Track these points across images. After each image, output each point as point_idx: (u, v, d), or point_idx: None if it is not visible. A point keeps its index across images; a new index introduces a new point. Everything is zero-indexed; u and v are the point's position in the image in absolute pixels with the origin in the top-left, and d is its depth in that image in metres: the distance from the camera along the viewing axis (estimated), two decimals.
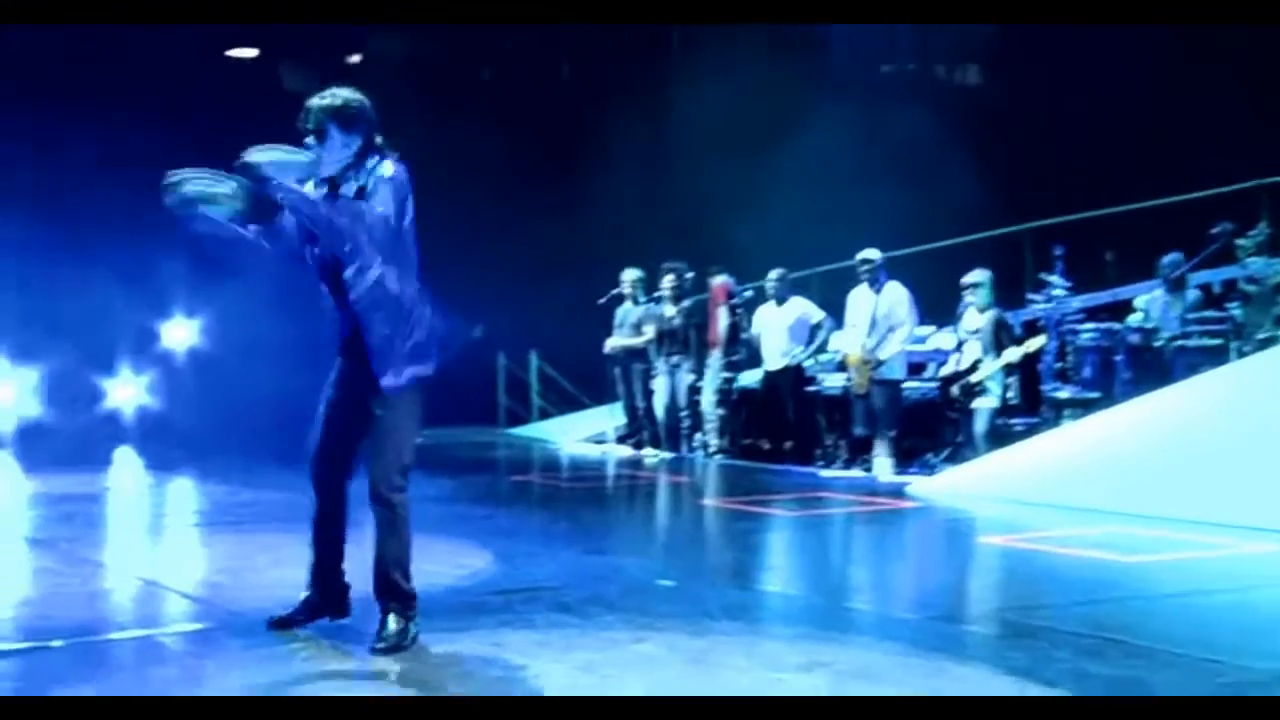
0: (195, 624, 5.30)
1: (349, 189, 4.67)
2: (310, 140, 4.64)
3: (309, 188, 4.68)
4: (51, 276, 15.10)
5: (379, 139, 4.73)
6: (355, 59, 19.42)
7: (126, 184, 15.05)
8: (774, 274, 12.34)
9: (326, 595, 4.97)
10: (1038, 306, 11.34)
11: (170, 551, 7.63)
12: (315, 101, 4.68)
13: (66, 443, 14.85)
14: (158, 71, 16.18)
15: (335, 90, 4.71)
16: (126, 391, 17.03)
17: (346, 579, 4.99)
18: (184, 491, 11.05)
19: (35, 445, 14.79)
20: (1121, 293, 12.48)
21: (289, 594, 5.04)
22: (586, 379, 16.40)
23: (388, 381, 4.65)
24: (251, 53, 18.60)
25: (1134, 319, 11.10)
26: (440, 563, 6.49)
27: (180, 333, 17.24)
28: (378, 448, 4.69)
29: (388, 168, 4.68)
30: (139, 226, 15.01)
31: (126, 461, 13.53)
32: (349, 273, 4.60)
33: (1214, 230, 10.93)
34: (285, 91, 17.92)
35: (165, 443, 14.81)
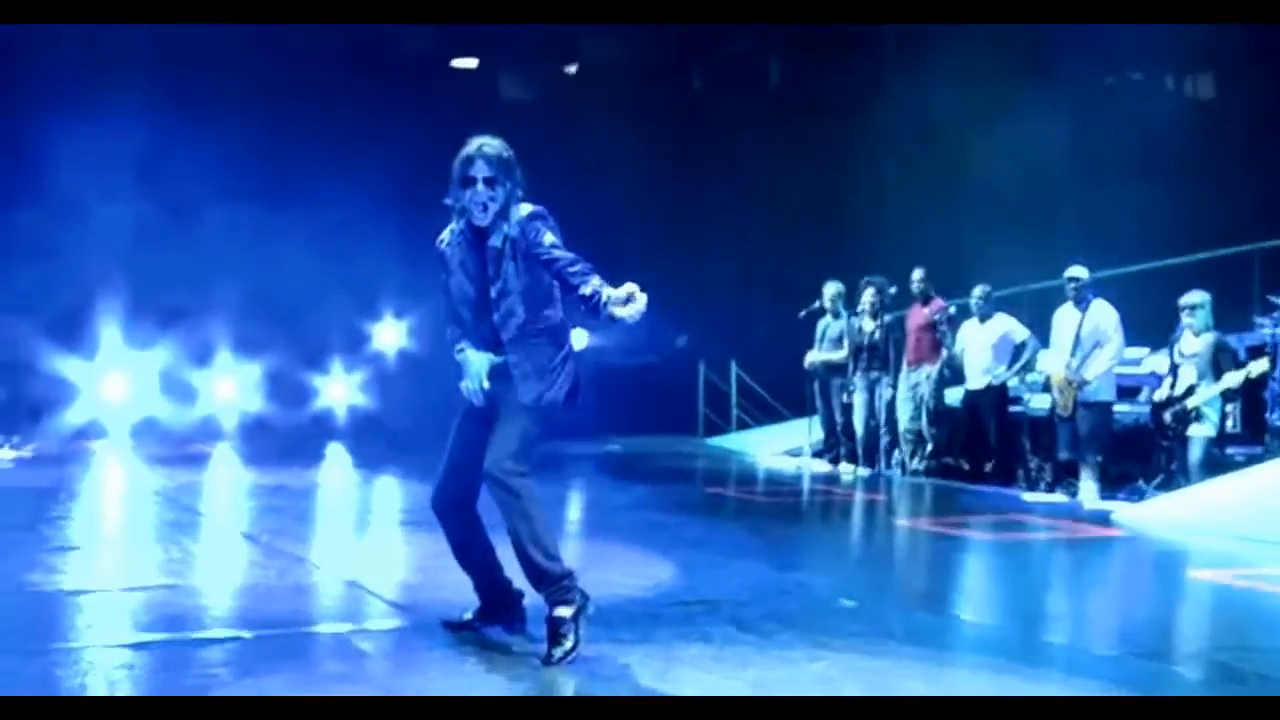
0: (383, 622, 5.42)
1: (497, 239, 4.72)
2: (482, 188, 4.69)
3: (448, 233, 4.84)
4: (269, 274, 15.74)
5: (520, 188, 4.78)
6: (571, 69, 19.74)
7: (345, 184, 15.77)
8: (978, 290, 12.01)
9: (495, 605, 5.03)
10: (1264, 330, 10.73)
11: (369, 549, 7.86)
12: (490, 151, 4.72)
13: (283, 438, 15.51)
14: (385, 76, 16.75)
15: (491, 139, 4.77)
16: (339, 390, 17.67)
17: (517, 590, 5.02)
18: (389, 489, 11.40)
19: (254, 439, 15.49)
20: None
21: (474, 598, 5.10)
22: (786, 392, 16.27)
23: (523, 394, 4.70)
24: (472, 63, 19.10)
25: None
26: (623, 571, 6.52)
27: (390, 334, 17.80)
28: (495, 439, 4.70)
29: (526, 208, 4.72)
30: (352, 227, 15.70)
31: (337, 458, 14.03)
32: (505, 303, 4.69)
33: None
34: (501, 101, 18.34)
35: (374, 441, 15.31)
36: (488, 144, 4.76)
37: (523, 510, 4.65)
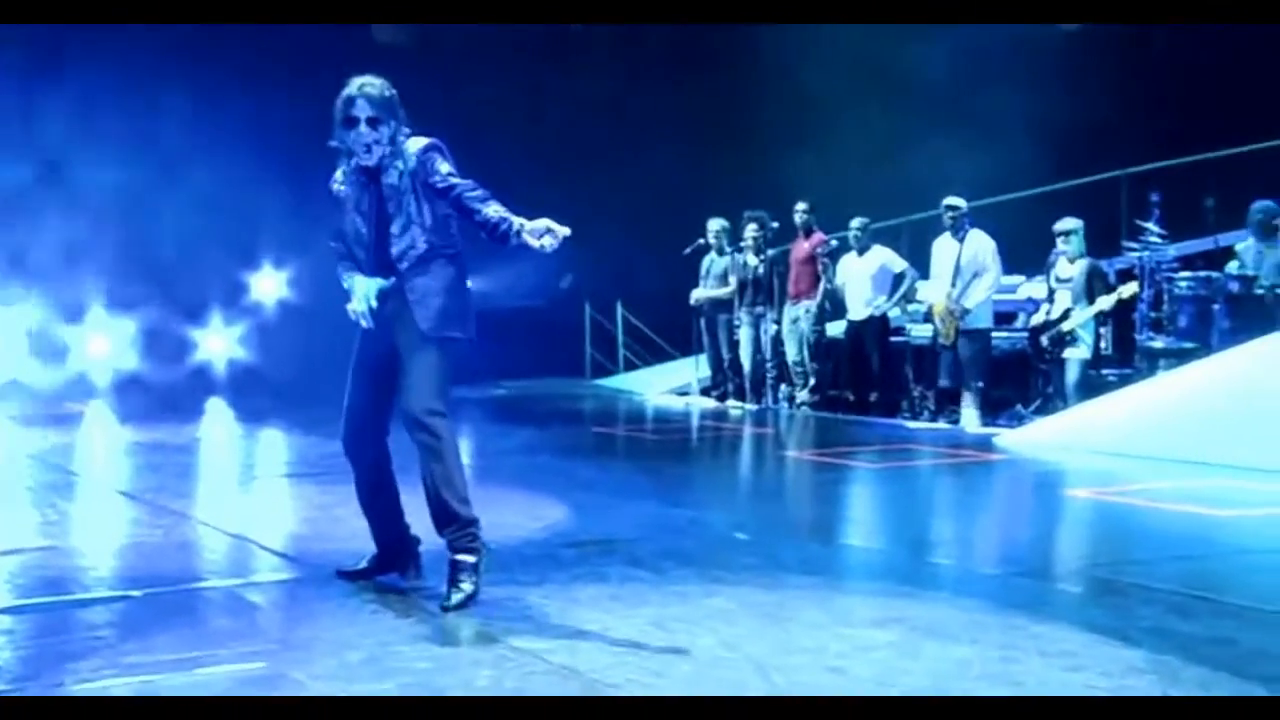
0: (273, 574, 5.34)
1: (391, 175, 4.65)
2: (365, 128, 4.62)
3: (340, 174, 4.77)
4: (144, 227, 15.32)
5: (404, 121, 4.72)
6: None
7: (217, 136, 15.35)
8: (856, 223, 12.14)
9: (393, 553, 4.99)
10: (1133, 255, 11.04)
11: (255, 502, 7.72)
12: (371, 91, 4.64)
13: (160, 394, 15.16)
14: (249, 27, 16.26)
15: (373, 79, 4.70)
16: (217, 343, 17.30)
17: (414, 536, 4.99)
18: (273, 442, 11.21)
19: (129, 396, 15.11)
20: (1223, 240, 12.10)
21: (367, 546, 5.05)
22: (672, 330, 16.33)
23: (427, 325, 4.64)
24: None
25: (1232, 267, 10.74)
26: (517, 514, 6.51)
27: (269, 284, 17.44)
28: (412, 379, 4.65)
29: (417, 142, 4.68)
30: (228, 177, 15.30)
31: (217, 413, 13.76)
32: (408, 236, 4.65)
33: None
34: (377, 45, 17.92)
35: (256, 394, 15.04)
36: (369, 84, 4.67)
37: (439, 451, 4.62)
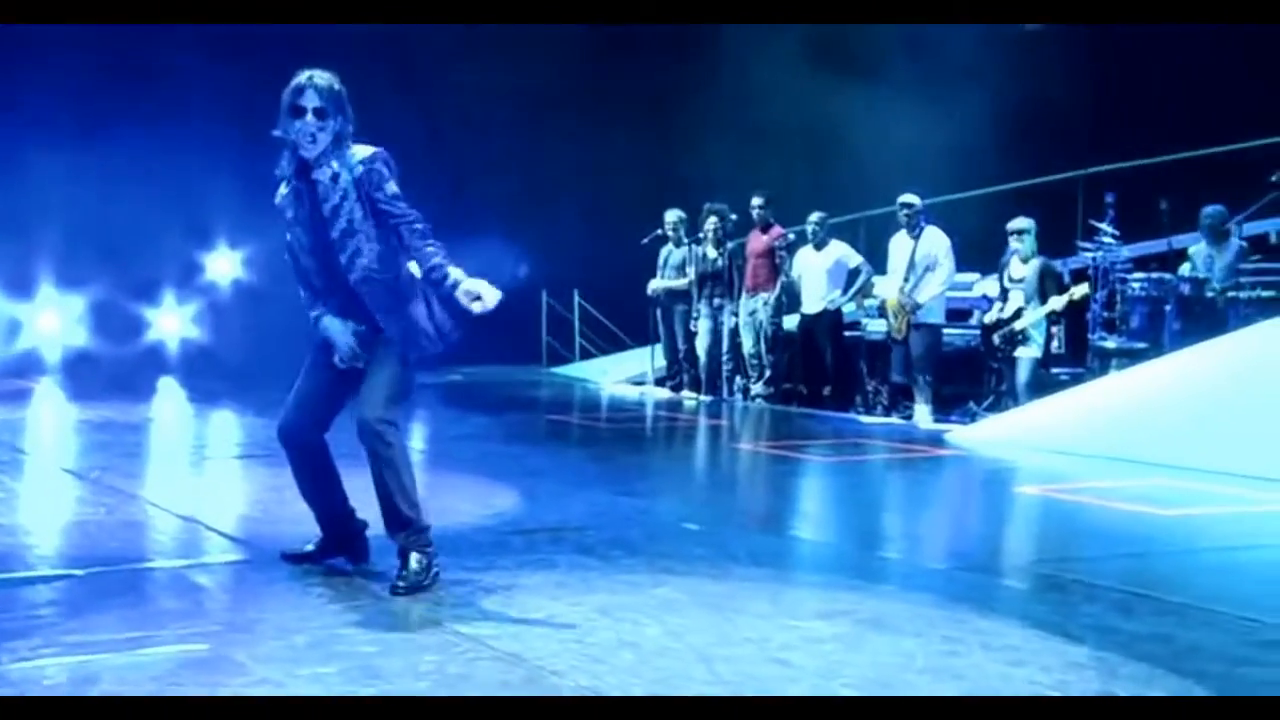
0: (220, 556, 5.30)
1: (323, 173, 4.60)
2: (311, 119, 4.57)
3: (283, 186, 4.73)
4: (97, 204, 15.13)
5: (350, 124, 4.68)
6: None
7: (171, 113, 15.18)
8: (814, 217, 12.18)
9: (339, 537, 4.98)
10: (1087, 255, 11.13)
11: (204, 484, 7.67)
12: (320, 82, 4.60)
13: (110, 372, 15.01)
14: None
15: (323, 71, 4.66)
16: (170, 322, 17.14)
17: (360, 521, 4.97)
18: (224, 423, 11.13)
19: (79, 374, 14.95)
20: (1176, 242, 12.22)
21: (315, 529, 5.02)
22: (629, 320, 16.32)
23: (387, 326, 4.63)
24: None
25: (1185, 269, 10.87)
26: (467, 500, 6.50)
27: (224, 264, 17.29)
28: (367, 385, 4.66)
29: (362, 150, 4.64)
30: (183, 156, 15.14)
31: (169, 392, 13.65)
32: (353, 242, 4.60)
33: (1273, 178, 10.65)
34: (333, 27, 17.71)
35: (208, 374, 14.92)
36: (319, 75, 4.64)
37: (391, 459, 4.63)
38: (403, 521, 4.66)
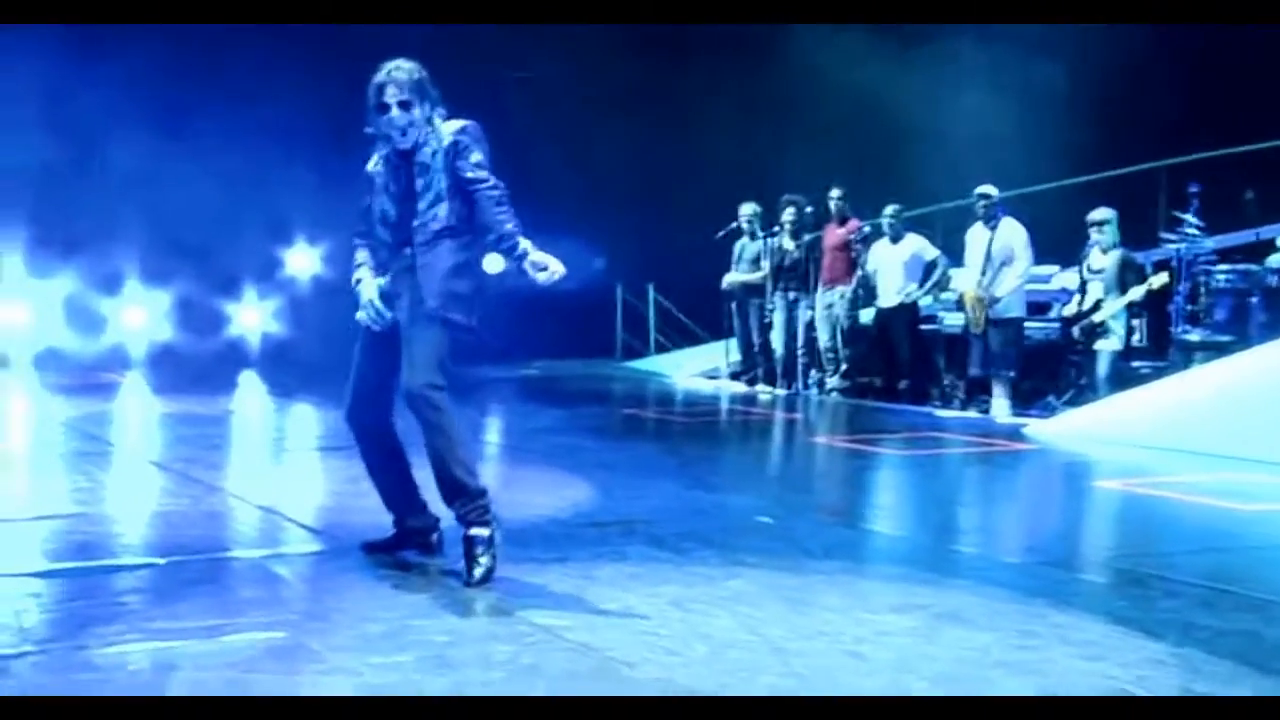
0: (299, 546, 5.38)
1: (424, 155, 4.67)
2: (397, 113, 4.63)
3: (376, 157, 4.79)
4: (180, 202, 15.40)
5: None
6: None
7: (251, 109, 15.39)
8: (889, 210, 12.09)
9: (413, 528, 5.01)
10: (1170, 247, 10.94)
11: (284, 475, 7.79)
12: (400, 75, 4.66)
13: (194, 367, 15.28)
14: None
15: (403, 62, 4.71)
16: (251, 317, 17.41)
17: (433, 514, 5.00)
18: (303, 416, 11.30)
19: (164, 368, 15.24)
20: (1264, 232, 11.98)
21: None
22: (704, 314, 16.31)
23: (434, 302, 4.64)
24: None
25: (1273, 260, 10.63)
26: (540, 493, 6.54)
27: (303, 260, 17.53)
28: (413, 355, 4.65)
29: (452, 125, 4.69)
30: (263, 153, 15.36)
31: (250, 386, 13.86)
32: (432, 211, 4.65)
33: (1248, 195, 10.41)
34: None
35: (288, 368, 15.14)
36: (398, 68, 4.69)
37: (441, 425, 4.62)
38: (458, 488, 4.63)
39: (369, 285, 4.79)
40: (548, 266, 4.48)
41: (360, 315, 4.82)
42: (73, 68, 15.13)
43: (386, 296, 4.76)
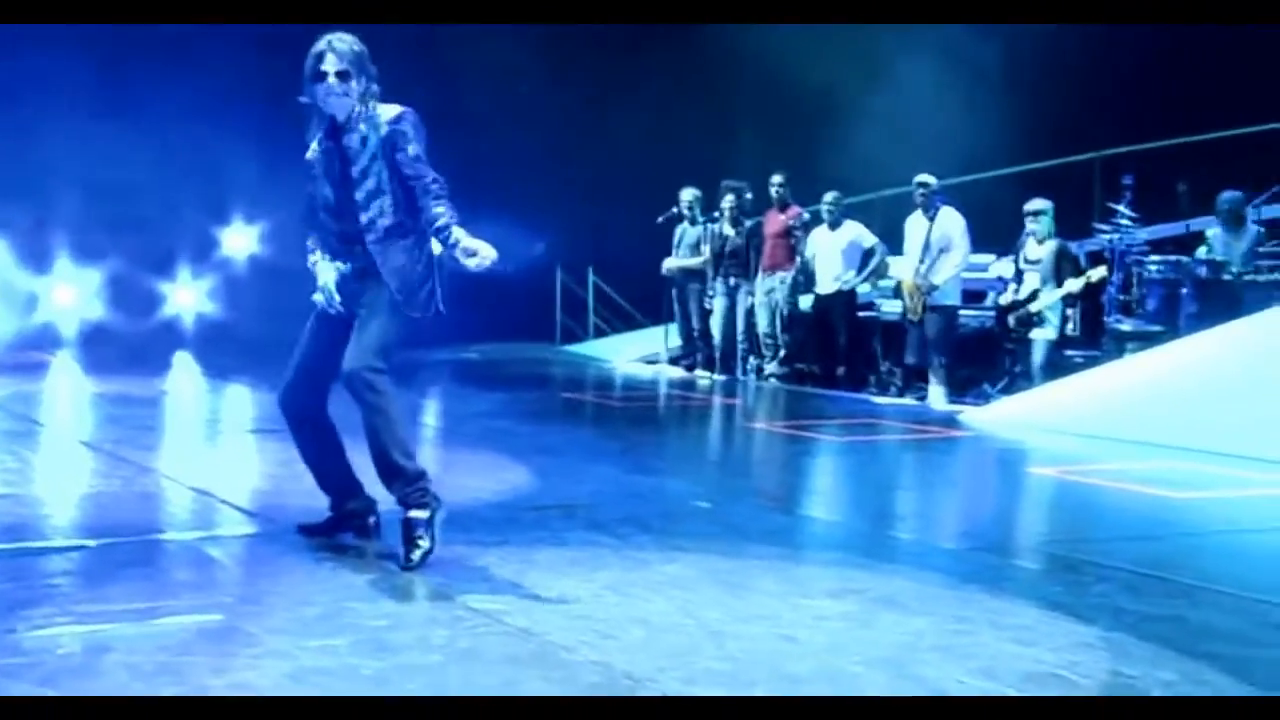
0: (234, 529, 5.33)
1: (352, 138, 4.63)
2: (334, 81, 4.59)
3: (314, 144, 4.74)
4: (113, 178, 15.16)
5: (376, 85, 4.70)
6: None
7: (189, 86, 15.16)
8: (829, 197, 12.14)
9: (347, 511, 4.99)
10: (1104, 237, 11.09)
11: (219, 457, 7.71)
12: (340, 46, 4.62)
13: (126, 346, 15.06)
14: None
15: (343, 34, 4.68)
16: (186, 297, 17.19)
17: (368, 497, 4.97)
18: (239, 398, 11.18)
19: (95, 348, 15.01)
20: (1195, 224, 12.17)
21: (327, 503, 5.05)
22: (644, 298, 16.31)
23: (399, 298, 4.62)
24: None
25: (1202, 252, 10.81)
26: (479, 477, 6.52)
27: (240, 239, 17.32)
28: (357, 334, 4.63)
29: (389, 110, 4.65)
30: (200, 131, 15.15)
31: (184, 367, 13.69)
32: (376, 204, 4.63)
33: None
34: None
35: (223, 349, 14.97)
36: (339, 39, 4.65)
37: (380, 406, 4.58)
38: (396, 471, 4.60)
39: (325, 269, 4.76)
40: (477, 252, 4.44)
41: (317, 297, 4.79)
42: (3, 38, 14.86)
43: (343, 289, 4.73)
